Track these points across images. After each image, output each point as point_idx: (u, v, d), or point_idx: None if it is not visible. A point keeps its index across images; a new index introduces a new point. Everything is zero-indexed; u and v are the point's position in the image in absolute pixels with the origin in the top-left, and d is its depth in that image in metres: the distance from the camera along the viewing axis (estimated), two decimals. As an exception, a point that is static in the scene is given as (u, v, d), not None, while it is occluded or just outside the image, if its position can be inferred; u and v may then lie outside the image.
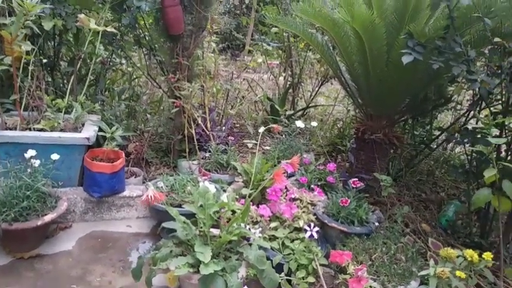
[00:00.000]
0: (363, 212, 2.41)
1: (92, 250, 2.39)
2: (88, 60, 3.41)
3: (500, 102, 2.65)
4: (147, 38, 3.69)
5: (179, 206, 2.42)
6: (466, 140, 2.73)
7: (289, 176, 2.87)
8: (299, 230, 2.32)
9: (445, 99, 3.38)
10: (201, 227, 2.08)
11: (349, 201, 2.39)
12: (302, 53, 4.82)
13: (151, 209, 2.61)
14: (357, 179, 2.56)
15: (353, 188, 2.52)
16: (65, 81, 3.43)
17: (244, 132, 4.08)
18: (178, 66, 3.31)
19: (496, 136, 1.96)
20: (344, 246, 2.23)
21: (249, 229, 2.20)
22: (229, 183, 2.90)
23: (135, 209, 2.76)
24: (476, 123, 2.76)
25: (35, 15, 2.54)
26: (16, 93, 2.59)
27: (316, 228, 2.17)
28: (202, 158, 3.19)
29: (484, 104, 3.01)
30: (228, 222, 2.14)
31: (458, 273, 1.65)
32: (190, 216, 2.09)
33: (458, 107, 3.76)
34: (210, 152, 3.14)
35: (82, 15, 2.75)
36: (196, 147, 3.21)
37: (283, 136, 3.28)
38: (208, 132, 3.34)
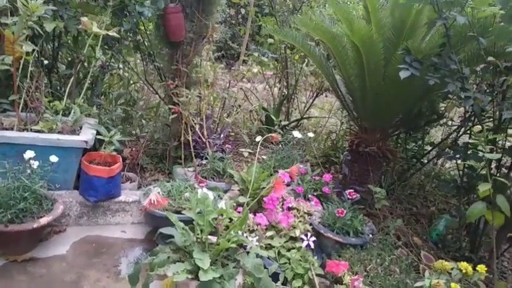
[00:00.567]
0: (359, 223, 2.44)
1: (87, 255, 2.36)
2: (86, 64, 3.41)
3: (491, 119, 2.73)
4: (146, 44, 3.71)
5: (177, 212, 2.42)
6: (457, 156, 2.80)
7: (286, 185, 2.89)
8: (295, 239, 2.34)
9: (438, 115, 3.46)
10: (198, 234, 2.08)
11: (345, 212, 2.43)
12: (298, 64, 4.89)
13: (147, 214, 2.60)
14: (352, 191, 2.59)
15: (349, 199, 2.55)
16: (62, 83, 3.41)
17: (239, 141, 4.10)
18: (177, 73, 3.33)
19: (488, 152, 2.01)
20: (340, 256, 2.26)
21: (246, 237, 2.20)
22: (225, 191, 2.91)
23: (130, 215, 2.75)
24: (469, 138, 2.83)
25: (38, 16, 2.54)
26: (15, 93, 2.58)
27: (313, 238, 2.20)
28: (198, 165, 3.19)
29: (475, 120, 3.10)
30: (225, 229, 2.14)
31: (453, 285, 1.69)
32: (187, 222, 2.09)
33: (450, 122, 3.85)
34: (206, 159, 3.16)
35: (84, 19, 2.76)
36: (193, 154, 3.21)
37: (280, 146, 3.31)
38: (204, 140, 3.35)
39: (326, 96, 5.19)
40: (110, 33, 2.89)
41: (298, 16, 4.23)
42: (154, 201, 1.81)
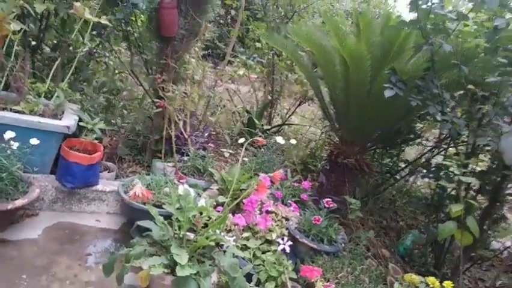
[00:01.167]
0: (333, 232, 2.51)
1: (59, 241, 2.32)
2: (71, 48, 3.35)
3: (465, 143, 2.87)
4: (136, 35, 3.68)
5: (155, 206, 2.41)
6: (430, 175, 2.93)
7: (265, 189, 2.94)
8: (270, 242, 2.38)
9: (414, 134, 3.60)
10: (176, 230, 2.09)
11: (321, 220, 2.49)
12: (284, 71, 4.95)
13: (124, 205, 2.58)
14: (330, 200, 2.66)
15: (325, 207, 2.62)
16: (46, 65, 3.33)
17: (220, 141, 4.12)
18: (165, 67, 3.32)
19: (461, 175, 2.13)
20: (313, 262, 2.32)
21: (224, 237, 2.23)
22: (204, 189, 2.92)
23: (106, 204, 2.72)
24: (443, 159, 2.96)
25: (30, -4, 2.49)
26: (-2, 71, 2.51)
27: (290, 242, 2.24)
28: (179, 161, 3.19)
29: (449, 143, 3.25)
30: (203, 227, 2.16)
31: (419, 297, 1.78)
32: (165, 217, 2.10)
33: (424, 143, 4.01)
34: (187, 155, 3.16)
35: (77, 4, 2.72)
36: (174, 149, 3.20)
37: (262, 149, 3.35)
38: (186, 136, 3.35)
39: (309, 105, 5.28)
40: (103, 21, 2.85)
41: (289, 25, 4.30)
42: (139, 193, 1.80)
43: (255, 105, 5.18)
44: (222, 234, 2.26)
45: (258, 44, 5.10)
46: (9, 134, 2.18)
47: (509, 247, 2.95)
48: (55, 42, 3.53)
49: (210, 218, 2.31)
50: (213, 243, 2.04)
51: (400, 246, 3.18)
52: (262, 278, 2.14)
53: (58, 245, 2.29)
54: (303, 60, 3.53)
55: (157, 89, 3.32)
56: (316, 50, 3.14)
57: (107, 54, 3.94)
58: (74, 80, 3.45)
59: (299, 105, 5.06)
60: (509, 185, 2.72)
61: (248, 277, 2.13)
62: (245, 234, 2.41)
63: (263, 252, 2.30)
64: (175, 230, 2.09)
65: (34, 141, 2.27)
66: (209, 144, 3.34)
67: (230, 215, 2.45)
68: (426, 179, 3.25)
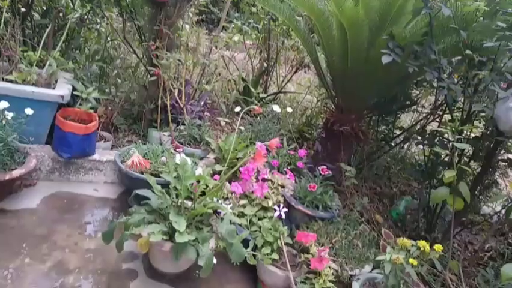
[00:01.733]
0: (328, 199, 2.56)
1: (58, 210, 2.36)
2: (62, 15, 3.26)
3: (460, 110, 2.88)
4: (127, 0, 3.58)
5: (152, 175, 2.43)
6: (425, 142, 2.95)
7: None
8: (267, 209, 2.43)
9: (410, 101, 3.60)
10: (174, 198, 2.12)
11: (317, 187, 2.53)
12: (280, 37, 4.86)
13: (122, 175, 2.60)
14: (325, 167, 2.69)
15: (321, 175, 2.65)
16: (36, 33, 3.25)
17: (216, 109, 4.09)
18: (159, 34, 3.25)
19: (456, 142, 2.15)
20: (308, 228, 2.37)
21: (221, 204, 2.26)
22: (201, 158, 2.94)
23: (103, 174, 2.74)
24: (438, 126, 2.97)
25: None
26: (-13, 39, 2.45)
27: (285, 209, 2.28)
28: (175, 130, 3.18)
29: (444, 109, 3.25)
30: (201, 195, 2.19)
31: (411, 260, 1.84)
32: (162, 186, 2.12)
33: (420, 110, 4.01)
34: (184, 124, 3.15)
35: (66, -33, 2.62)
36: (169, 118, 3.19)
37: (258, 118, 3.34)
38: (182, 105, 3.33)
39: (305, 72, 5.23)
40: (93, -16, 2.77)
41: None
42: (136, 162, 1.81)
43: (250, 72, 5.11)
44: (219, 202, 2.30)
45: (253, 9, 4.97)
46: (3, 104, 2.16)
47: (499, 212, 3.02)
48: (45, 8, 3.43)
49: (207, 186, 2.34)
50: (210, 211, 2.08)
51: (393, 212, 3.25)
52: (259, 243, 2.19)
53: (57, 214, 2.32)
54: (300, 26, 3.45)
55: (150, 56, 3.26)
56: (313, 14, 3.07)
57: (99, 21, 3.85)
58: (66, 48, 3.39)
59: (295, 72, 5.00)
60: (501, 151, 2.76)
61: (245, 243, 2.18)
62: (242, 202, 2.45)
63: (259, 219, 2.35)
64: (173, 198, 2.12)
65: (28, 111, 2.26)
66: (205, 113, 3.32)
67: (227, 183, 2.48)
68: (421, 146, 3.28)
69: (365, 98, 3.27)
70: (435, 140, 2.76)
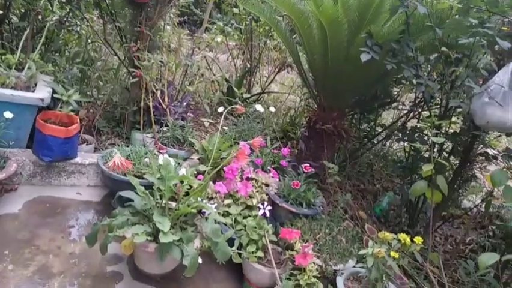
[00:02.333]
0: (312, 196, 2.59)
1: (40, 215, 2.33)
2: (40, 17, 3.22)
3: (438, 106, 2.95)
4: (107, 1, 3.55)
5: (136, 177, 2.42)
6: (405, 138, 3.01)
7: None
8: (251, 208, 2.45)
9: (391, 98, 3.67)
10: (158, 199, 2.12)
11: (300, 184, 2.56)
12: (262, 38, 4.89)
13: (104, 177, 2.58)
14: (308, 165, 2.72)
15: (304, 172, 2.68)
16: (15, 36, 3.20)
17: (200, 110, 4.10)
18: (139, 35, 3.24)
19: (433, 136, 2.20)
20: (292, 225, 2.40)
21: (206, 204, 2.27)
22: (185, 159, 2.93)
23: (86, 177, 2.71)
24: (418, 122, 3.04)
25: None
26: (-36, 42, 2.40)
27: (269, 207, 2.30)
28: (158, 132, 3.17)
29: (423, 106, 3.33)
30: (185, 196, 2.19)
31: (392, 253, 1.88)
32: (146, 188, 2.12)
33: (400, 107, 4.09)
34: (166, 126, 3.14)
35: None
36: (152, 120, 3.18)
37: (242, 118, 3.36)
38: (165, 107, 3.32)
39: (288, 72, 5.27)
40: (71, -14, 2.74)
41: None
42: (118, 163, 1.81)
43: (234, 73, 5.13)
44: (204, 201, 2.31)
45: (235, 10, 4.99)
46: (-20, 108, 2.12)
47: (478, 205, 3.11)
48: (23, 11, 3.38)
49: (191, 187, 2.35)
50: (194, 211, 2.08)
51: (376, 208, 3.31)
52: (244, 241, 2.21)
53: (40, 219, 2.29)
54: (281, 26, 3.49)
55: (132, 58, 3.24)
56: (294, 14, 3.10)
57: (79, 23, 3.81)
58: (45, 50, 3.35)
59: (278, 72, 5.03)
60: (479, 146, 2.84)
61: (230, 242, 2.19)
62: (226, 201, 2.46)
63: (244, 218, 2.37)
64: (157, 199, 2.12)
65: (8, 114, 2.23)
66: (188, 114, 3.32)
67: (211, 183, 2.49)
68: (402, 143, 3.35)
69: (346, 96, 3.32)
70: (415, 136, 2.82)
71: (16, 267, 1.92)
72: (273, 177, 2.71)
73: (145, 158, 2.58)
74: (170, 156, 2.71)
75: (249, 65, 4.94)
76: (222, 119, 2.32)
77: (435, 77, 3.13)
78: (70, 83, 3.24)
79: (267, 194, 2.55)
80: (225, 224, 2.30)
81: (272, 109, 3.39)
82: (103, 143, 3.28)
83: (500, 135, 3.15)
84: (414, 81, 2.51)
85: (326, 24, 2.79)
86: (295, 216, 2.48)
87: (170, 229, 1.89)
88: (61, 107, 2.64)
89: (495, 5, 2.24)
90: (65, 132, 2.47)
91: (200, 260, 1.96)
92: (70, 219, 2.38)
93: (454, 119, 2.96)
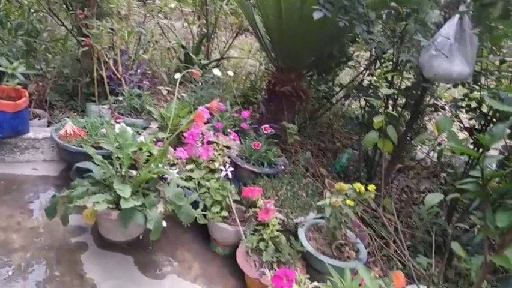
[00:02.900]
0: (273, 155, 2.65)
1: (-5, 193, 2.26)
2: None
3: (391, 62, 3.04)
4: (49, -33, 3.33)
5: (95, 148, 2.38)
6: (361, 95, 3.11)
7: (205, 122, 2.97)
8: (214, 171, 2.48)
9: (346, 57, 3.73)
10: (118, 168, 2.10)
11: (261, 145, 2.60)
12: (217, 2, 4.77)
13: (60, 150, 2.51)
14: (268, 126, 2.76)
15: (264, 133, 2.72)
16: None
17: (157, 79, 4.00)
18: (86, 2, 3.08)
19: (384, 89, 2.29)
20: (254, 184, 2.45)
21: (167, 170, 2.27)
22: (144, 128, 2.89)
23: (41, 152, 2.63)
24: (371, 81, 3.13)
25: None
26: None
27: (231, 168, 2.34)
28: (114, 102, 3.09)
29: (377, 64, 3.41)
30: (145, 163, 2.19)
31: (348, 202, 1.98)
32: (106, 158, 2.09)
33: (357, 66, 4.17)
34: (123, 95, 3.07)
35: None
36: (107, 90, 3.09)
37: (200, 84, 3.32)
38: (119, 76, 3.23)
39: (246, 36, 5.21)
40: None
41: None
42: (70, 131, 1.76)
43: (191, 40, 5.01)
44: (166, 168, 2.31)
45: (188, -27, 4.82)
46: None
47: (428, 153, 3.29)
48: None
49: (151, 154, 2.34)
50: (155, 176, 2.08)
51: (336, 164, 3.43)
52: (208, 203, 2.25)
53: (-5, 197, 2.23)
54: (235, -12, 3.42)
55: (80, 26, 3.10)
56: (246, -25, 3.05)
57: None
58: (-17, 22, 3.12)
59: (236, 37, 4.97)
60: (429, 98, 2.98)
61: (194, 205, 2.23)
62: (189, 167, 2.47)
63: (207, 181, 2.39)
64: (117, 168, 2.10)
65: None
66: (144, 82, 3.24)
67: (172, 149, 2.49)
68: (360, 102, 3.45)
69: (303, 57, 3.35)
70: (370, 92, 2.91)
71: (-26, 246, 1.88)
72: (233, 139, 2.73)
73: (102, 128, 2.53)
74: (127, 125, 2.67)
75: (205, 30, 4.83)
76: (178, 84, 2.29)
77: (389, 34, 3.20)
78: (15, 56, 3.07)
79: (228, 157, 2.58)
80: (188, 188, 2.32)
81: (230, 73, 3.38)
82: (56, 117, 3.17)
83: (449, 88, 3.30)
84: (367, 38, 2.56)
85: (278, -17, 2.77)
86: (258, 176, 2.54)
87: (132, 196, 1.89)
88: (7, 81, 2.51)
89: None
90: (13, 107, 2.37)
91: (165, 224, 1.98)
92: (28, 195, 2.32)
93: (406, 74, 3.06)
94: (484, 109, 2.61)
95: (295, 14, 2.92)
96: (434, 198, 1.66)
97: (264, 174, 2.53)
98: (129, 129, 2.18)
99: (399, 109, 3.06)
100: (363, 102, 3.39)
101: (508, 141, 2.38)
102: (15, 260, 1.85)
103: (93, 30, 2.95)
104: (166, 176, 2.23)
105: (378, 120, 1.99)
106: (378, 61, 3.04)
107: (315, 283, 1.68)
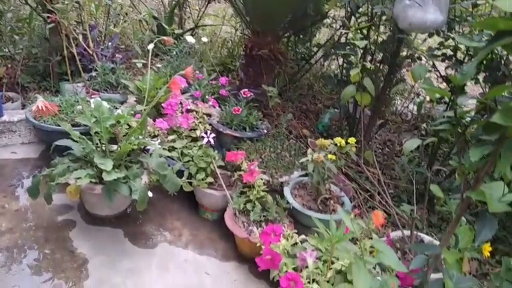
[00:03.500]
0: (254, 119, 2.64)
1: (-25, 179, 2.22)
2: None
3: (366, 16, 3.01)
4: None
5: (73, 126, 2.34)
6: (337, 51, 3.08)
7: (184, 92, 2.93)
8: (196, 139, 2.47)
9: (321, 15, 3.68)
10: (97, 143, 2.08)
11: (241, 110, 2.59)
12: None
13: (37, 131, 2.47)
14: (247, 90, 2.74)
15: (244, 98, 2.71)
16: None
17: (131, 52, 3.91)
18: (47, -25, 2.94)
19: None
20: (238, 148, 2.46)
21: (148, 140, 2.26)
22: (122, 103, 2.85)
23: (18, 135, 2.58)
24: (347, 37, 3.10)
25: None
26: None
27: (213, 135, 2.34)
28: (88, 79, 3.02)
29: (354, 20, 3.38)
30: (124, 136, 2.16)
31: (330, 156, 2.01)
32: (85, 135, 2.06)
33: (334, 26, 4.12)
34: (96, 71, 2.99)
35: None
36: (80, 68, 3.00)
37: (175, 53, 3.25)
38: (91, 52, 3.14)
39: (219, 2, 5.07)
40: None
41: None
42: (42, 107, 1.72)
43: (162, 11, 4.86)
44: (147, 139, 2.29)
45: None
46: None
47: (407, 106, 3.32)
48: None
49: (130, 127, 2.31)
50: (136, 148, 2.07)
51: (319, 124, 3.45)
52: (193, 171, 2.25)
53: (-25, 183, 2.19)
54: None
55: (44, 2, 2.97)
56: None
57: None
58: None
59: (208, 3, 4.83)
60: (406, 50, 2.98)
61: (180, 174, 2.24)
62: (171, 137, 2.46)
63: (190, 149, 2.39)
64: (96, 143, 2.08)
65: None
66: (117, 56, 3.16)
67: (151, 120, 2.46)
68: (338, 60, 3.43)
69: (278, 18, 3.28)
70: (347, 48, 2.89)
71: (-41, 232, 1.86)
72: (213, 106, 2.72)
73: (77, 106, 2.48)
74: (104, 100, 2.62)
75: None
76: (151, 54, 2.24)
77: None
78: (-22, 39, 2.95)
79: (210, 124, 2.57)
80: (172, 158, 2.31)
81: (204, 39, 3.30)
82: (30, 99, 3.08)
83: (426, 40, 3.30)
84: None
85: None
86: (240, 140, 2.54)
87: (114, 169, 1.88)
88: (-28, 64, 2.42)
89: None
90: (-17, 90, 2.29)
91: (151, 194, 1.99)
92: (9, 178, 2.29)
93: (382, 29, 3.04)
94: (460, 57, 2.63)
95: (266, -27, 2.85)
96: (412, 144, 1.69)
97: (247, 138, 2.54)
98: (105, 104, 2.14)
99: (378, 64, 3.07)
100: (341, 61, 3.38)
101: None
102: (3, 243, 1.85)
103: (58, 5, 2.84)
104: (148, 147, 2.22)
105: (354, 73, 1.99)
106: (353, 16, 3.00)
107: (303, 236, 1.73)
